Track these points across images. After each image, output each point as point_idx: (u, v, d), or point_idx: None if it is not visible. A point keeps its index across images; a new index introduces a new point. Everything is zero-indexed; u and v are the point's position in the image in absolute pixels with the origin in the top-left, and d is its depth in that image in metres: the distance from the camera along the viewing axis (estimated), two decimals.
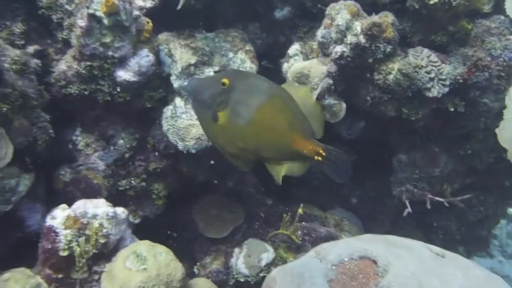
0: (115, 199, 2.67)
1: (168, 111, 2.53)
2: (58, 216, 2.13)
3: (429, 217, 3.31)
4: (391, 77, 2.41)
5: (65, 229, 2.10)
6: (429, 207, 2.77)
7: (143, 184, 2.69)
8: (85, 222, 2.14)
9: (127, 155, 2.64)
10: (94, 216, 2.17)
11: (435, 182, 2.95)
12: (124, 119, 2.64)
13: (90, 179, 2.59)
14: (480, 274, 2.38)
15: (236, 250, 2.72)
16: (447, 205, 2.75)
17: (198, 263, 2.87)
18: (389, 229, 3.40)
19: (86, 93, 2.45)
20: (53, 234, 2.09)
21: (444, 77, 2.47)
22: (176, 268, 2.05)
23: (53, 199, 2.55)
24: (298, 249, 2.73)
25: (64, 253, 2.07)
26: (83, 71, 2.39)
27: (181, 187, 2.85)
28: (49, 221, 2.13)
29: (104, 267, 2.11)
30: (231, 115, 1.84)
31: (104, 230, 2.15)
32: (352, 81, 2.53)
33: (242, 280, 2.63)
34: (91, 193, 2.58)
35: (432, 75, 2.45)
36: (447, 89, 2.48)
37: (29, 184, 2.40)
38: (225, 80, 1.84)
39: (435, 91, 2.46)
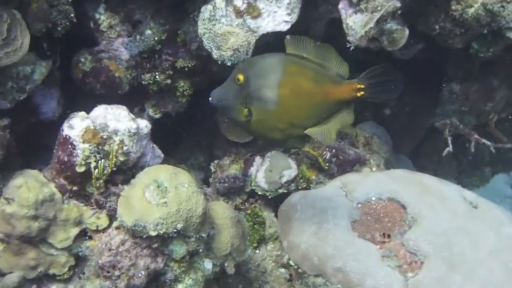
0: (136, 91, 2.47)
1: (206, 11, 2.16)
2: (76, 127, 1.92)
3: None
4: (471, 11, 2.04)
5: (83, 142, 1.90)
6: (472, 150, 2.56)
7: (168, 81, 2.45)
8: (105, 136, 1.95)
9: (154, 48, 2.36)
10: (115, 132, 1.97)
11: (483, 115, 2.72)
12: (155, 6, 2.31)
13: (111, 71, 2.35)
14: None
15: (257, 160, 2.57)
16: (493, 150, 2.54)
17: (216, 161, 2.74)
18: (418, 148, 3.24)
19: None
20: (70, 146, 1.91)
21: None
22: (197, 203, 1.91)
23: (70, 87, 2.35)
24: (322, 169, 2.58)
25: (80, 169, 1.91)
26: None
27: (208, 86, 2.61)
28: (66, 130, 1.93)
29: (122, 187, 1.97)
30: (259, 105, 1.72)
31: (125, 148, 1.97)
32: (422, 4, 2.16)
33: (259, 192, 2.52)
34: (111, 86, 2.38)
35: None
36: None
37: (46, 72, 2.21)
38: (239, 76, 1.71)
39: None
